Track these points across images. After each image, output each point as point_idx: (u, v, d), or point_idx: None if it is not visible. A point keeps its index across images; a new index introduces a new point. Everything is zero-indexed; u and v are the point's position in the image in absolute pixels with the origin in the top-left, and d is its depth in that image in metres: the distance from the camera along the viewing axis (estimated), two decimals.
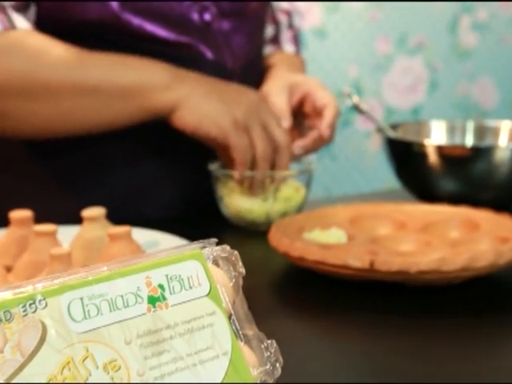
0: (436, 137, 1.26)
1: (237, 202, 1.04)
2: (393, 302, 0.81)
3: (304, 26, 2.38)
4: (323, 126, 1.08)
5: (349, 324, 0.77)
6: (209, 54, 1.08)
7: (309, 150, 1.09)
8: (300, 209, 1.07)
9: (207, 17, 1.06)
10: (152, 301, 0.51)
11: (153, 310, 0.51)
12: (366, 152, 2.55)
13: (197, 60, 1.04)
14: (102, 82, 0.98)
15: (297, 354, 0.68)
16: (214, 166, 1.07)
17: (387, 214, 1.00)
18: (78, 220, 0.87)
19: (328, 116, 1.08)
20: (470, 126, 1.27)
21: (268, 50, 1.27)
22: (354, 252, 0.86)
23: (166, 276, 0.52)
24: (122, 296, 0.50)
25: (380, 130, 1.21)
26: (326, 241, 0.92)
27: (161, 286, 0.52)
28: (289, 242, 0.85)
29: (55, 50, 0.97)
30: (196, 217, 1.12)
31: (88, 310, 0.48)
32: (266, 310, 0.79)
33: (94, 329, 0.48)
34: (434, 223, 0.97)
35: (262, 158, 1.00)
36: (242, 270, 0.56)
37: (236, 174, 1.03)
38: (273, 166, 1.03)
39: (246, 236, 1.03)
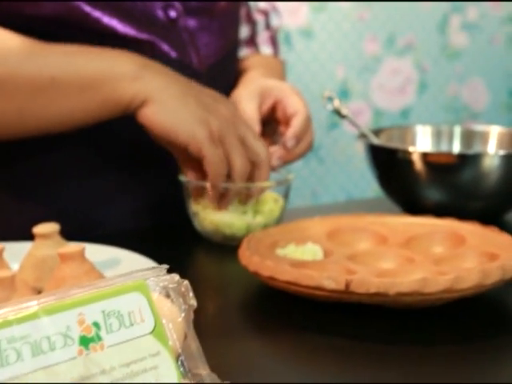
0: (421, 142, 1.20)
1: (214, 216, 0.97)
2: (371, 325, 0.74)
3: (290, 26, 2.32)
4: (287, 136, 1.01)
5: (323, 349, 0.70)
6: (172, 53, 1.01)
7: (287, 161, 1.03)
8: (279, 221, 1.01)
9: (172, 14, 1.00)
10: (84, 342, 0.45)
11: (85, 352, 0.44)
12: (353, 155, 2.49)
13: (159, 59, 0.97)
14: (60, 74, 0.89)
15: (266, 379, 0.62)
16: (185, 177, 1.00)
17: (367, 226, 0.93)
18: (29, 236, 0.80)
19: (294, 125, 1.01)
20: (457, 131, 1.21)
21: (244, 52, 1.20)
22: (329, 271, 0.80)
23: (103, 312, 0.46)
24: (48, 337, 0.43)
25: (362, 135, 1.14)
26: (301, 257, 0.85)
27: (96, 324, 0.45)
28: (259, 261, 0.79)
29: (7, 42, 0.90)
30: (165, 231, 1.05)
31: (6, 356, 0.42)
32: (235, 333, 0.73)
33: (13, 377, 0.42)
34: (417, 237, 0.91)
35: (239, 174, 0.94)
36: (193, 302, 0.50)
37: (209, 187, 0.97)
38: (250, 179, 0.97)
39: (221, 251, 0.97)
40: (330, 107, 1.14)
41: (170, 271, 0.88)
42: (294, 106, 1.02)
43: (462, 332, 0.73)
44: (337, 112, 1.14)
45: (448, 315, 0.76)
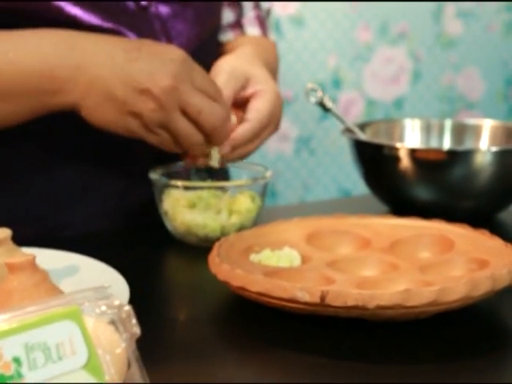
0: (410, 137, 1.14)
1: (186, 216, 0.91)
2: (350, 339, 0.68)
3: (281, 14, 2.25)
4: (235, 135, 0.93)
5: (296, 367, 0.64)
6: None
7: (243, 152, 0.95)
8: (256, 221, 0.95)
9: (143, 1, 0.93)
10: (1, 381, 0.38)
11: None
12: (345, 146, 2.42)
13: None
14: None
15: None
16: (155, 175, 0.94)
17: (349, 229, 0.87)
18: None
19: (246, 127, 0.94)
20: (448, 125, 1.14)
21: (228, 36, 1.12)
22: (305, 280, 0.74)
23: (25, 345, 0.40)
24: None
25: (347, 130, 1.08)
26: (276, 264, 0.79)
27: (16, 360, 0.39)
28: (229, 269, 0.72)
29: None
30: (138, 232, 0.99)
31: None
32: (205, 349, 0.67)
33: None
34: (403, 241, 0.84)
35: (191, 147, 0.89)
36: (136, 330, 0.44)
37: (179, 184, 0.91)
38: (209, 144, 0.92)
39: (194, 254, 0.90)
40: (313, 100, 1.07)
41: (137, 277, 0.83)
42: (261, 108, 0.95)
43: (448, 347, 0.67)
44: (320, 105, 1.07)
45: (433, 329, 0.70)
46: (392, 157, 0.99)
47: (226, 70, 0.94)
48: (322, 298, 0.66)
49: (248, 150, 0.95)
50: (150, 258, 0.89)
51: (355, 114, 2.42)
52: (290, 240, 0.84)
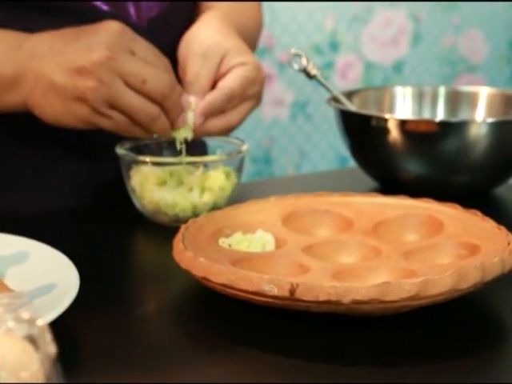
0: (400, 107, 1.06)
1: (154, 194, 0.84)
2: (323, 335, 0.62)
3: None
4: (203, 102, 0.85)
5: (263, 370, 0.58)
6: (104, 7, 0.87)
7: (224, 127, 0.88)
8: (230, 199, 0.88)
9: None
10: None
11: None
12: None
13: (89, 12, 0.84)
14: None
15: None
16: (122, 149, 0.86)
17: (330, 208, 0.80)
18: None
19: (216, 94, 0.85)
20: (442, 93, 1.07)
21: None
22: (275, 269, 0.67)
23: None
24: None
25: (333, 99, 1.00)
26: (247, 249, 0.73)
27: None
28: (192, 257, 0.66)
29: None
30: (105, 210, 0.92)
31: None
32: (163, 347, 0.61)
33: None
34: (387, 222, 0.78)
35: (152, 125, 0.81)
36: (51, 350, 0.37)
37: (147, 159, 0.84)
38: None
39: (163, 235, 0.81)
40: (296, 67, 1.00)
41: (94, 262, 0.76)
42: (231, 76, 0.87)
43: (433, 345, 0.61)
44: (304, 72, 1.00)
45: (416, 324, 0.64)
46: (380, 129, 0.92)
47: (199, 53, 0.87)
48: (292, 291, 0.60)
49: (225, 123, 0.87)
50: (114, 240, 0.83)
51: (353, 78, 2.34)
52: (265, 221, 0.78)
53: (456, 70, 2.48)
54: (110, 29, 0.78)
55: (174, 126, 0.83)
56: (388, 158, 0.94)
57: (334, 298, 0.59)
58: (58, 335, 0.39)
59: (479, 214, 0.75)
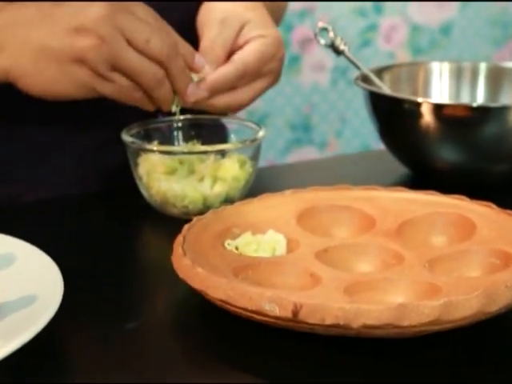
0: (436, 85, 0.98)
1: (162, 184, 0.78)
2: (331, 357, 0.55)
3: None
4: (213, 76, 0.78)
5: None
6: None
7: (233, 106, 0.81)
8: (245, 191, 0.81)
9: None
10: None
11: None
12: None
13: None
14: None
15: None
16: (128, 135, 0.80)
17: (351, 204, 0.73)
18: None
19: (227, 68, 0.78)
20: (483, 69, 0.98)
21: None
22: (282, 278, 0.61)
23: None
24: None
25: (362, 77, 0.92)
26: (255, 252, 0.66)
27: None
28: (189, 266, 0.59)
29: None
30: (110, 199, 0.85)
31: None
32: (157, 365, 0.55)
33: None
34: (414, 222, 0.70)
35: (150, 88, 0.75)
36: None
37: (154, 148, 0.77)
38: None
39: (171, 229, 0.74)
40: (323, 42, 0.92)
41: (96, 259, 0.70)
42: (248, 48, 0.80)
43: (458, 372, 0.54)
44: (332, 47, 0.92)
45: (438, 347, 0.56)
46: (412, 113, 0.84)
47: (216, 19, 0.80)
48: (295, 312, 0.53)
49: (233, 100, 0.80)
50: (115, 234, 0.76)
51: (398, 42, 2.26)
52: (278, 219, 0.71)
53: (508, 32, 2.37)
54: None
55: (180, 94, 0.77)
56: (420, 144, 0.86)
57: (342, 322, 0.52)
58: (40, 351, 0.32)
59: None
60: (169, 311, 0.62)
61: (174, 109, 0.78)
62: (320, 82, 2.23)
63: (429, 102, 0.83)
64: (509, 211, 0.68)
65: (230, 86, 0.79)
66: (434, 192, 0.73)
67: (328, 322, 0.52)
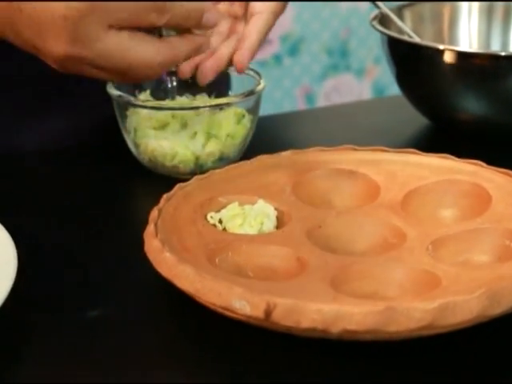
0: (464, 27, 0.88)
1: (150, 141, 0.71)
2: (310, 363, 0.49)
3: None
4: (250, 34, 0.70)
5: None
6: None
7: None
8: (242, 149, 0.73)
9: None
10: None
11: None
12: None
13: None
14: None
15: None
16: (114, 89, 0.72)
17: (354, 169, 0.65)
18: None
19: (260, 21, 0.71)
20: None
21: None
22: (266, 260, 0.54)
23: None
24: None
25: (381, 16, 0.84)
26: (239, 228, 0.59)
27: None
28: (158, 249, 0.53)
29: None
30: (88, 155, 0.79)
31: None
32: (124, 364, 0.49)
33: None
34: (422, 191, 0.63)
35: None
36: None
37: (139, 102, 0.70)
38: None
39: (161, 190, 0.68)
40: None
41: (69, 227, 0.64)
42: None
43: (454, 376, 0.47)
44: None
45: (431, 350, 0.50)
46: (434, 60, 0.76)
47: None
48: (268, 312, 0.46)
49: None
50: (95, 196, 0.70)
51: None
52: (272, 185, 0.64)
53: None
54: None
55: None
56: (442, 95, 0.78)
57: (319, 326, 0.46)
58: None
59: None
60: (139, 298, 0.56)
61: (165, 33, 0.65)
62: (358, 5, 2.12)
63: (452, 50, 0.75)
64: None
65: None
66: (448, 156, 0.65)
67: (304, 325, 0.46)
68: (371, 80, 2.23)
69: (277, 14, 0.72)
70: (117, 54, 0.59)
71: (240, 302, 0.47)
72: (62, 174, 0.74)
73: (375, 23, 0.81)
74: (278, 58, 2.11)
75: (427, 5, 0.88)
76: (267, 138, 0.79)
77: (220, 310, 0.49)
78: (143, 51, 0.60)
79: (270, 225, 0.59)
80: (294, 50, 2.13)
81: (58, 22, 0.56)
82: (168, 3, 0.59)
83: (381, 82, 2.21)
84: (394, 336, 0.46)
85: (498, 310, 0.47)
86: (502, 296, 0.47)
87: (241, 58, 0.70)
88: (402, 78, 0.82)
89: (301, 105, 2.18)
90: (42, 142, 0.79)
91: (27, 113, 0.79)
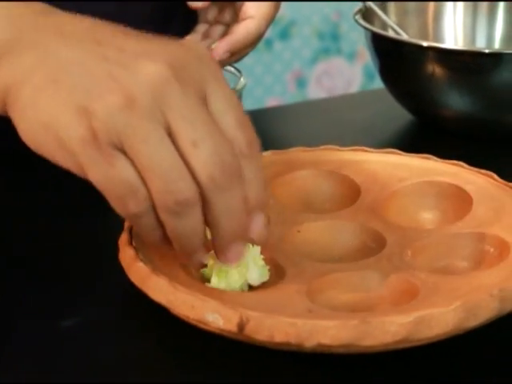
0: (449, 20, 0.87)
1: None
2: (289, 370, 0.48)
3: None
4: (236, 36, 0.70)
5: None
6: None
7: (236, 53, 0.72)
8: None
9: None
10: None
11: None
12: None
13: None
14: None
15: None
16: None
17: (335, 169, 0.65)
18: None
19: (251, 25, 0.70)
20: (500, 7, 0.87)
21: None
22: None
23: None
24: None
25: (365, 10, 0.83)
26: None
27: None
28: (132, 257, 0.52)
29: None
30: None
31: None
32: (92, 366, 0.49)
33: None
34: (403, 193, 0.62)
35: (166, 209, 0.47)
36: None
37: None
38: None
39: None
40: None
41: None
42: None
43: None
44: None
45: (410, 360, 0.49)
46: (417, 57, 0.75)
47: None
48: (241, 326, 0.46)
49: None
50: (72, 202, 0.69)
51: None
52: None
53: None
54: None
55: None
56: (426, 92, 0.77)
57: (293, 341, 0.45)
58: None
59: None
60: (113, 307, 0.55)
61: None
62: None
63: (435, 47, 0.74)
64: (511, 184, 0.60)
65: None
66: (429, 156, 0.65)
67: (278, 339, 0.45)
68: (362, 63, 2.21)
69: (268, 22, 0.71)
70: None
71: (213, 315, 0.46)
72: (38, 179, 0.73)
73: (358, 18, 0.80)
74: (268, 43, 2.10)
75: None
76: None
77: (194, 322, 0.48)
78: None
79: None
80: (284, 34, 2.12)
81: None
82: None
83: (372, 65, 2.19)
84: (370, 350, 0.46)
85: (474, 323, 0.46)
86: (478, 308, 0.46)
87: (216, 49, 0.69)
88: (386, 74, 0.81)
89: (292, 89, 2.17)
90: None
91: None
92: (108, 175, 0.46)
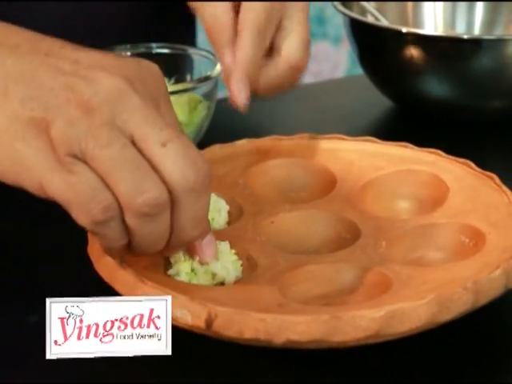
0: (428, 7, 0.86)
1: None
2: (259, 365, 0.47)
3: None
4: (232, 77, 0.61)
5: None
6: None
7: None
8: (197, 138, 0.71)
9: None
10: None
11: None
12: None
13: None
14: None
15: None
16: None
17: (311, 158, 0.64)
18: None
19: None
20: None
21: None
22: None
23: None
24: None
25: None
26: None
27: None
28: (99, 251, 0.51)
29: None
30: None
31: None
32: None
33: None
34: (380, 182, 0.61)
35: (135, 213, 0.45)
36: None
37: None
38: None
39: None
40: None
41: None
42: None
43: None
44: None
45: (386, 354, 0.48)
46: (397, 43, 0.74)
47: None
48: (209, 322, 0.45)
49: None
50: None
51: None
52: (225, 178, 0.62)
53: None
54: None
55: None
56: (405, 78, 0.76)
57: (262, 337, 0.44)
58: None
59: (496, 179, 0.58)
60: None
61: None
62: None
63: (414, 33, 0.73)
64: (490, 174, 0.59)
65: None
66: (407, 144, 0.64)
67: (247, 335, 0.44)
68: (348, 47, 2.19)
69: None
70: None
71: (181, 310, 0.45)
72: None
73: (337, 4, 0.79)
74: None
75: None
76: (227, 123, 0.77)
77: None
78: None
79: (220, 221, 0.57)
80: None
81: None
82: None
83: None
84: (341, 345, 0.45)
85: (447, 317, 0.45)
86: (451, 302, 0.45)
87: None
88: (365, 61, 0.80)
89: None
90: None
91: None
92: (69, 183, 0.44)
